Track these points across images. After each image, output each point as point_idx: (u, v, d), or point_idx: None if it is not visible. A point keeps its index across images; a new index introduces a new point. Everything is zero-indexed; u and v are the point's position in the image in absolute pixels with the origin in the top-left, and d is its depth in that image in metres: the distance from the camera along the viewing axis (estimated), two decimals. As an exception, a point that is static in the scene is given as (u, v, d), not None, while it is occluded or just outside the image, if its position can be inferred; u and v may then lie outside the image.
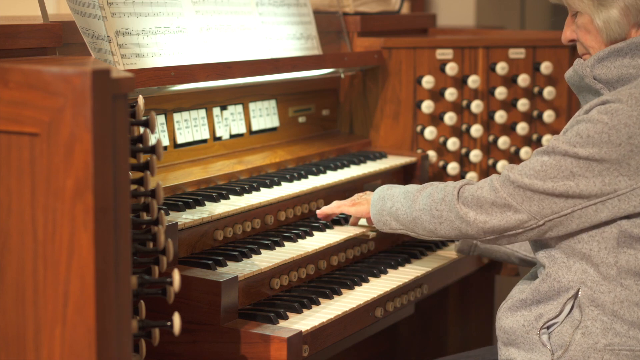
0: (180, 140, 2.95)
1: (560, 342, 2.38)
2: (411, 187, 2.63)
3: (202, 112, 3.03)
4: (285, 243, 2.71)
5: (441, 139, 3.61)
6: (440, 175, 3.62)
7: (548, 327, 2.40)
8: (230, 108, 3.14)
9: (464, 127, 3.64)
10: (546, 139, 3.70)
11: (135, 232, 2.15)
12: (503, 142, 3.66)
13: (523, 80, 3.66)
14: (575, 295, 2.37)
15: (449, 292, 3.87)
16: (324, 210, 2.88)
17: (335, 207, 2.86)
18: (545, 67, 3.68)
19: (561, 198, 2.33)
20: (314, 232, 2.83)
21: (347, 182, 3.12)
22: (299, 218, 2.95)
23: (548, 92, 3.69)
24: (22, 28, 2.44)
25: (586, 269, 2.36)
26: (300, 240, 2.75)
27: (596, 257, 2.34)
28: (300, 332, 2.33)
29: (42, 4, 2.60)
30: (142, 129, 2.16)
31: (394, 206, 2.63)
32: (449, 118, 3.58)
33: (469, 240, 2.87)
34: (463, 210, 2.44)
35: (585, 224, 2.34)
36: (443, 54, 3.61)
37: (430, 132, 3.57)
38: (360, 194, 2.89)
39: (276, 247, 2.67)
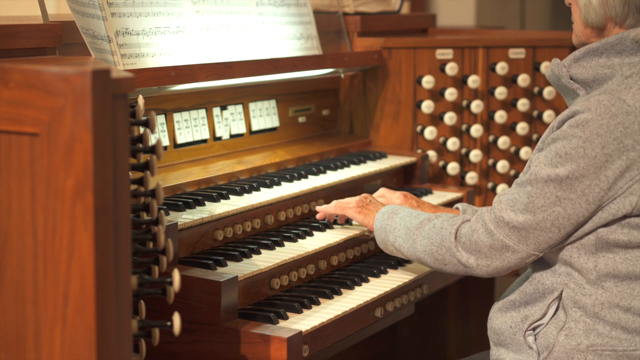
0: (180, 140, 2.95)
1: (545, 343, 2.39)
2: (409, 222, 2.59)
3: (202, 112, 3.04)
4: (285, 243, 2.71)
5: (441, 139, 3.61)
6: (440, 175, 3.62)
7: (534, 329, 2.41)
8: (230, 108, 3.14)
9: (464, 127, 3.64)
10: (546, 139, 3.69)
11: (135, 232, 2.15)
12: (503, 142, 3.66)
13: (523, 80, 3.66)
14: (559, 297, 2.38)
15: (449, 292, 3.87)
16: (326, 210, 2.87)
17: (340, 208, 2.83)
18: (545, 67, 3.68)
19: (554, 229, 2.32)
20: (314, 232, 2.83)
21: (347, 182, 3.12)
22: (299, 218, 2.95)
23: (548, 92, 3.69)
24: (22, 28, 2.44)
25: (570, 272, 2.37)
26: (300, 240, 2.75)
27: (577, 263, 2.36)
28: (300, 332, 2.33)
29: (42, 4, 2.60)
30: (142, 129, 2.16)
31: (396, 241, 2.61)
32: (449, 118, 3.58)
33: None
34: (464, 256, 2.42)
35: (572, 239, 2.36)
36: (443, 54, 3.61)
37: (430, 132, 3.57)
38: (366, 198, 2.84)
39: (276, 247, 2.67)
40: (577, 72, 2.39)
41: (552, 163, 2.30)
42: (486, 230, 2.38)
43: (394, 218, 2.64)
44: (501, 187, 3.67)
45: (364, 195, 2.85)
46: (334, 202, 2.86)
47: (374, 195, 2.95)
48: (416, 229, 2.55)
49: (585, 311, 2.35)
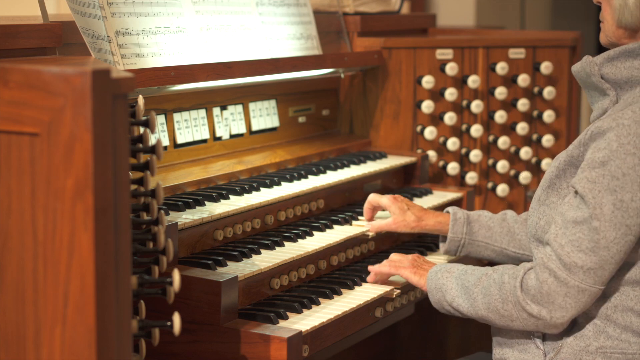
0: (180, 140, 2.95)
1: (552, 344, 2.38)
2: (466, 279, 2.45)
3: (202, 112, 3.04)
4: (285, 243, 2.71)
5: (441, 139, 3.61)
6: (440, 175, 3.62)
7: None
8: (230, 108, 3.14)
9: (464, 127, 3.64)
10: (546, 139, 3.69)
11: (135, 232, 2.15)
12: (503, 142, 3.66)
13: (523, 80, 3.66)
14: None
15: (449, 292, 3.86)
16: (380, 270, 2.68)
17: (394, 268, 2.65)
18: (545, 67, 3.68)
19: (624, 257, 2.26)
20: (314, 232, 2.83)
21: (347, 182, 3.12)
22: (299, 218, 2.95)
23: (548, 92, 3.69)
24: (22, 28, 2.44)
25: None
26: (300, 240, 2.75)
27: None
28: (300, 332, 2.33)
29: (42, 4, 2.60)
30: (142, 129, 2.16)
31: (454, 302, 2.47)
32: (449, 118, 3.58)
33: (456, 241, 2.83)
34: (535, 309, 2.30)
35: None
36: (443, 54, 3.61)
37: (430, 132, 3.57)
38: (419, 258, 2.68)
39: (276, 247, 2.67)
40: (610, 72, 2.34)
41: (610, 188, 2.23)
42: (557, 280, 2.27)
43: (448, 277, 2.50)
44: (501, 187, 3.67)
45: (416, 255, 2.71)
46: (387, 262, 2.68)
47: (366, 202, 2.94)
48: (474, 286, 2.43)
49: (596, 313, 2.35)
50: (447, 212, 2.85)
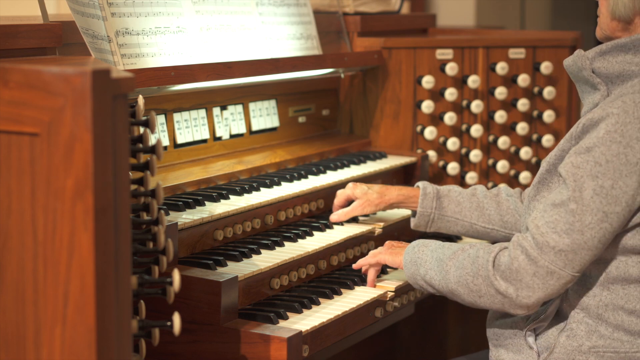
0: (180, 140, 2.95)
1: (546, 344, 2.38)
2: (442, 253, 2.44)
3: (202, 112, 3.04)
4: (285, 243, 2.71)
5: (441, 139, 3.61)
6: (440, 175, 3.62)
7: (535, 329, 2.40)
8: (230, 108, 3.14)
9: (464, 127, 3.64)
10: (546, 139, 3.69)
11: (135, 232, 2.15)
12: (503, 142, 3.66)
13: (523, 80, 3.66)
14: (562, 298, 2.36)
15: (449, 292, 3.86)
16: (362, 262, 2.69)
17: (373, 255, 2.65)
18: (545, 67, 3.68)
19: (600, 246, 2.24)
20: (314, 232, 2.83)
21: (347, 182, 3.12)
22: (299, 218, 2.95)
23: (548, 92, 3.69)
24: (22, 28, 2.44)
25: None
26: (300, 240, 2.75)
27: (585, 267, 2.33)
28: (300, 332, 2.33)
29: (42, 4, 2.60)
30: (142, 129, 2.16)
31: (427, 274, 2.45)
32: (449, 118, 3.58)
33: (425, 215, 2.83)
34: (502, 286, 2.29)
35: None
36: (443, 54, 3.61)
37: (430, 132, 3.57)
38: (394, 242, 2.68)
39: (276, 247, 2.67)
40: (601, 66, 2.34)
41: (592, 173, 2.23)
42: (528, 258, 2.26)
43: (424, 250, 2.50)
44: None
45: (390, 241, 2.70)
46: (370, 254, 2.69)
47: (335, 199, 2.95)
48: (449, 259, 2.42)
49: (588, 312, 2.34)
50: (417, 186, 2.85)
